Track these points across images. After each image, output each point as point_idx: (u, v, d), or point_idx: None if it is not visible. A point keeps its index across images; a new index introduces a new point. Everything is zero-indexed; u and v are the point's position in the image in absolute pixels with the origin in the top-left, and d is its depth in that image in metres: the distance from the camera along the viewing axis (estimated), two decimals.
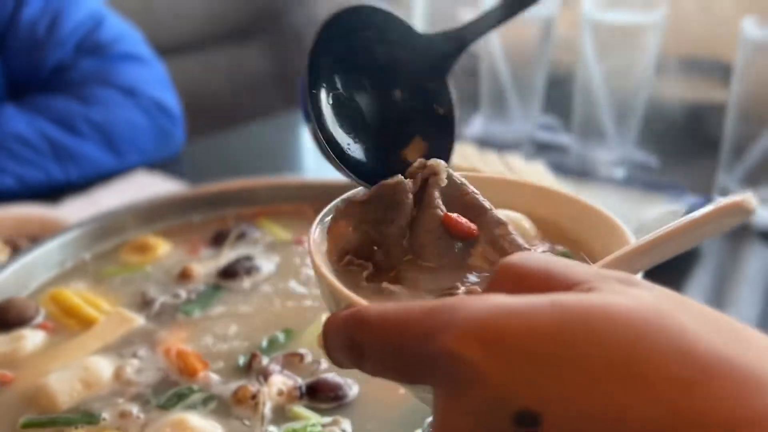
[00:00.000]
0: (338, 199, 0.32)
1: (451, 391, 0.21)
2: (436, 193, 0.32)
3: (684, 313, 0.21)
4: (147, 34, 1.04)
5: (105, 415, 0.40)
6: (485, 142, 0.96)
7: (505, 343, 0.20)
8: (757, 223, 0.82)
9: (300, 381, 0.42)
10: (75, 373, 0.41)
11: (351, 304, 0.26)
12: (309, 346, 0.45)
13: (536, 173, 0.85)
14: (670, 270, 0.77)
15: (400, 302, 0.25)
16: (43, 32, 0.91)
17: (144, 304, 0.50)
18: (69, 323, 0.48)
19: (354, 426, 0.39)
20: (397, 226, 0.31)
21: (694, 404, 0.19)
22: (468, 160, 0.86)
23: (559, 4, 0.94)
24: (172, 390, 0.42)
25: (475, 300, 0.21)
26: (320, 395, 0.41)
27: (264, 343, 0.46)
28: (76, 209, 0.73)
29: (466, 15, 1.26)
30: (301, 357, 0.44)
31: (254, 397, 0.40)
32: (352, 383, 0.42)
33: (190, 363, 0.43)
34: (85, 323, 0.47)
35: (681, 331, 0.20)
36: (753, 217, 0.83)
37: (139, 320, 0.48)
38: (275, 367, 0.43)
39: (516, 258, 0.24)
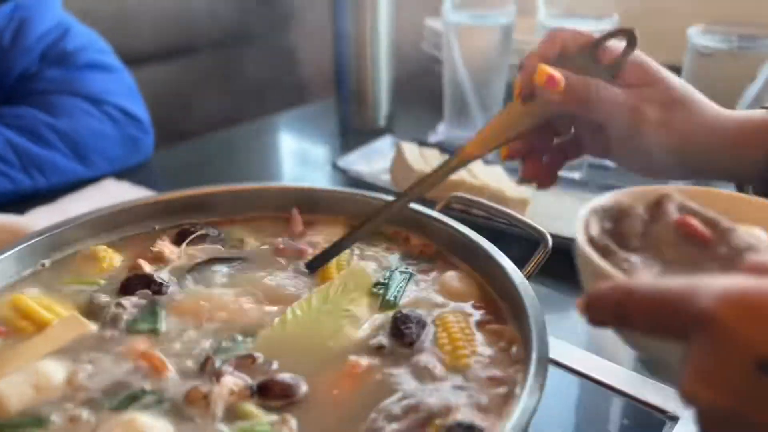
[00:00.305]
0: (592, 202, 0.43)
1: (705, 342, 0.27)
2: (671, 206, 0.42)
3: None
4: (118, 42, 1.05)
5: (54, 418, 0.40)
6: (448, 148, 0.98)
7: (752, 306, 0.27)
8: None
9: (251, 381, 0.44)
10: (26, 377, 0.42)
11: (612, 279, 0.35)
12: (262, 349, 0.47)
13: (495, 176, 0.88)
14: None
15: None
16: (8, 40, 0.92)
17: (99, 309, 0.51)
18: (24, 327, 0.48)
19: (300, 423, 0.41)
20: (632, 230, 0.41)
21: None
22: (430, 164, 0.89)
23: (516, 12, 0.96)
24: (125, 392, 0.43)
25: (726, 277, 0.28)
26: (271, 393, 0.42)
27: (218, 346, 0.47)
28: (42, 218, 0.74)
29: (435, 24, 1.27)
30: (254, 359, 0.46)
31: (206, 397, 0.42)
32: (301, 382, 0.44)
33: (156, 361, 0.45)
34: (40, 327, 0.48)
35: None
36: None
37: (93, 326, 0.49)
38: (228, 369, 0.44)
39: (762, 256, 0.30)
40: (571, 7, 0.91)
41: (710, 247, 0.40)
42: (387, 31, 1.09)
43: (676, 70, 0.86)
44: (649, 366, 0.46)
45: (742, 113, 0.55)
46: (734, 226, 0.40)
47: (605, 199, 0.43)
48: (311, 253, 0.59)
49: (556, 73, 0.51)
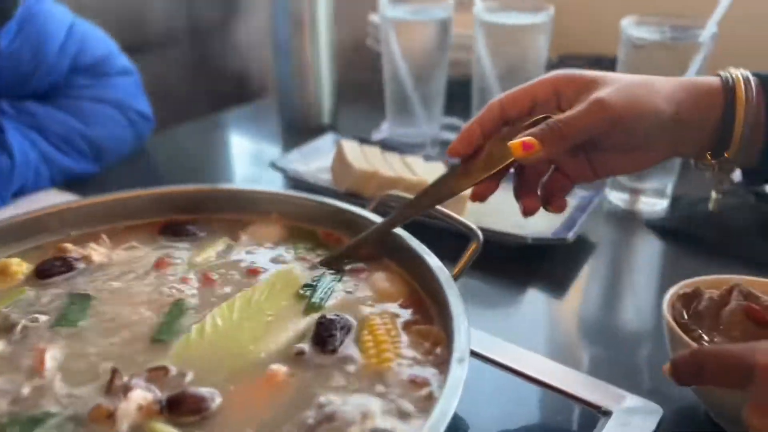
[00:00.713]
0: (675, 287, 0.55)
1: (759, 385, 0.38)
2: (738, 293, 0.53)
3: None
4: None
5: None
6: (391, 145, 0.97)
7: None
8: (644, 213, 0.86)
9: (161, 395, 0.41)
10: None
11: (691, 347, 0.49)
12: (176, 359, 0.45)
13: (435, 173, 0.86)
14: (568, 262, 0.79)
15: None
16: (29, 63, 0.90)
17: (12, 326, 0.48)
18: None
19: None
20: (706, 311, 0.53)
21: None
22: (370, 162, 0.87)
23: (455, 7, 0.96)
24: (26, 415, 0.40)
25: None
26: (182, 408, 0.40)
27: (128, 358, 0.45)
28: None
29: (375, 19, 1.24)
30: (166, 371, 0.43)
31: (111, 415, 0.39)
32: (215, 395, 0.42)
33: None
34: None
35: None
36: (640, 207, 0.87)
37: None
38: (138, 382, 0.42)
39: None
40: (507, 1, 0.91)
41: None
42: (327, 27, 1.07)
43: (611, 61, 0.87)
44: (722, 419, 0.53)
45: (685, 78, 0.55)
46: None
47: (686, 285, 0.56)
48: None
49: (525, 138, 0.50)
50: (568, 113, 0.51)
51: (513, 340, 0.58)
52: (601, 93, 0.51)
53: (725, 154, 0.54)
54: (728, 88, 0.53)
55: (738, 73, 0.53)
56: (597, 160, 0.56)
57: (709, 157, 0.55)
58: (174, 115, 1.24)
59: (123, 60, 1.01)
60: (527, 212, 0.57)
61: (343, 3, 1.16)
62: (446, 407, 0.37)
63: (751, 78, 0.53)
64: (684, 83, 0.54)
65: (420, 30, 0.95)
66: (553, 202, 0.56)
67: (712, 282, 0.57)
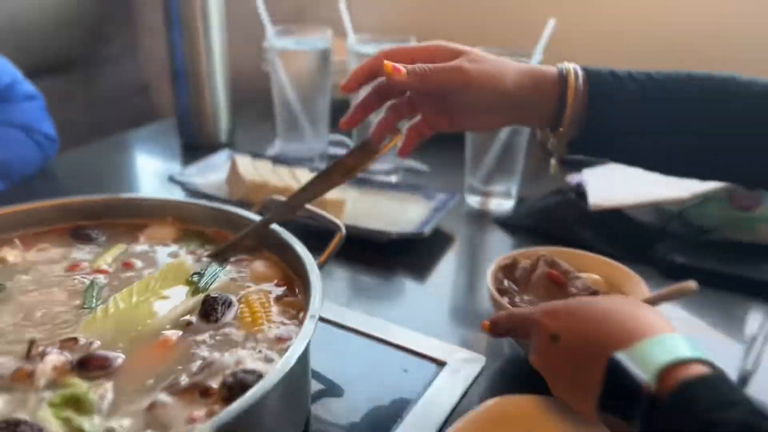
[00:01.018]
0: (498, 259, 0.74)
1: (536, 334, 0.54)
2: (543, 262, 0.71)
3: (623, 302, 0.52)
4: None
5: None
6: (283, 160, 1.09)
7: (554, 310, 0.54)
8: (494, 212, 1.02)
9: (72, 357, 0.51)
10: None
11: (506, 309, 0.65)
12: (84, 333, 0.55)
13: None
14: (431, 253, 0.93)
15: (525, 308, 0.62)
16: None
17: None
18: None
19: (115, 385, 0.49)
20: (521, 277, 0.71)
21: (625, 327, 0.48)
22: (261, 174, 0.99)
23: (334, 35, 1.09)
24: None
25: (550, 302, 0.57)
26: (89, 366, 0.50)
27: (45, 333, 0.54)
28: None
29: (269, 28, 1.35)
30: (76, 340, 0.53)
31: (30, 375, 0.49)
32: (118, 356, 0.52)
33: None
34: None
35: (618, 308, 0.51)
36: (491, 207, 1.03)
37: None
38: (52, 350, 0.52)
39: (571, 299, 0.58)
40: (376, 33, 1.05)
41: (565, 288, 0.69)
42: (221, 53, 1.18)
43: None
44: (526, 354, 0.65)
45: (530, 66, 0.70)
46: (580, 274, 0.70)
47: (506, 257, 0.73)
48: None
49: (399, 65, 0.65)
50: (435, 65, 0.66)
51: (383, 316, 0.72)
52: (462, 60, 0.66)
53: (560, 129, 0.68)
54: (562, 78, 0.68)
55: (570, 66, 0.68)
56: (453, 114, 0.70)
57: (547, 130, 0.70)
58: (79, 136, 1.31)
59: (27, 86, 1.09)
60: (344, 125, 0.74)
61: (239, 31, 1.27)
62: (297, 348, 0.49)
63: (579, 70, 0.68)
64: (530, 71, 0.68)
65: (303, 58, 1.08)
66: (406, 144, 0.73)
67: (526, 253, 0.74)
